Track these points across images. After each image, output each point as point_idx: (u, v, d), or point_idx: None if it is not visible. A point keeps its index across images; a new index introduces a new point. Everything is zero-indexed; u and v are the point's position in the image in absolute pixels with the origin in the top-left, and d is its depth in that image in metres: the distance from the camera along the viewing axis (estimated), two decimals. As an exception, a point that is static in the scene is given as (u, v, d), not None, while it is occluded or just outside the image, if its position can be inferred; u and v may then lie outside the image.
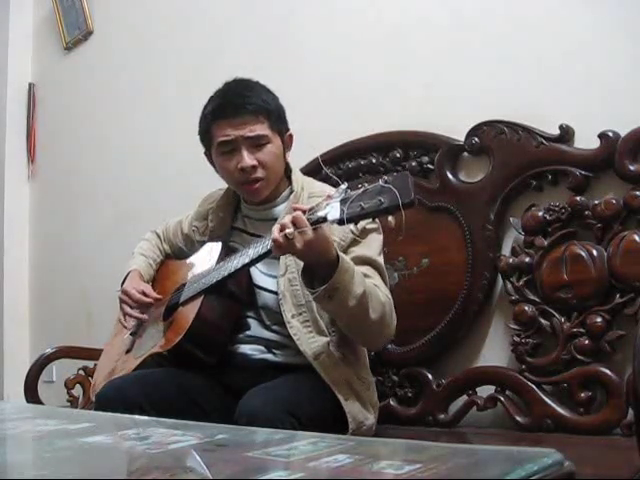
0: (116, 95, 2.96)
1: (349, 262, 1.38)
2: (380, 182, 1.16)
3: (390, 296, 1.49)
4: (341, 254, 1.36)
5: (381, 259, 1.55)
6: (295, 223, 1.26)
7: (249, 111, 1.53)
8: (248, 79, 1.62)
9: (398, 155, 1.91)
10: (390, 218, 1.14)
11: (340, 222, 1.20)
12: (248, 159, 1.53)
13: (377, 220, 1.47)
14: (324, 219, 1.23)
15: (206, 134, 1.60)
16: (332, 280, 1.32)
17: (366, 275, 1.46)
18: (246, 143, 1.54)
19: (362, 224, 1.46)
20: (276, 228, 1.29)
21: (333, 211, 1.21)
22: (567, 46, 1.70)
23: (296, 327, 1.49)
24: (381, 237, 1.57)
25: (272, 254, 1.38)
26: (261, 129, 1.54)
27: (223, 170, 1.61)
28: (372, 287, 1.43)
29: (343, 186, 1.24)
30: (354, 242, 1.51)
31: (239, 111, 1.53)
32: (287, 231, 1.26)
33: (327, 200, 1.24)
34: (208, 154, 1.64)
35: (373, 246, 1.54)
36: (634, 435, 1.08)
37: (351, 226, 1.22)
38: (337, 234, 1.49)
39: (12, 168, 3.34)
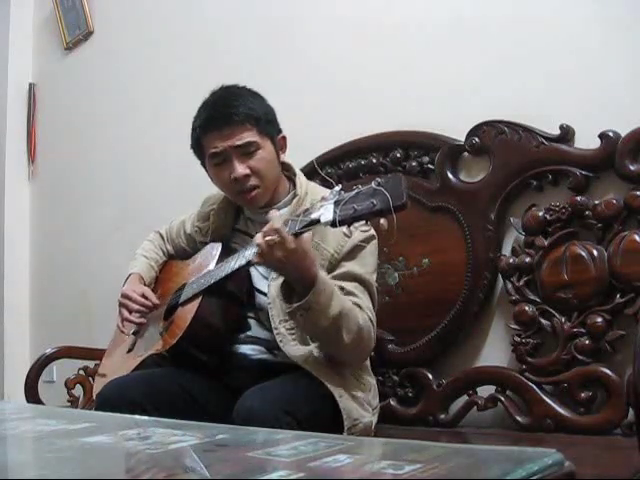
0: (116, 95, 2.96)
1: (327, 283, 1.38)
2: (373, 184, 1.16)
3: (373, 318, 1.49)
4: (321, 274, 1.37)
5: (373, 277, 1.55)
6: (277, 231, 1.28)
7: (236, 120, 1.53)
8: (234, 86, 1.62)
9: (398, 155, 1.91)
10: (382, 221, 1.15)
11: (333, 224, 1.20)
12: (240, 168, 1.53)
13: (371, 227, 1.49)
14: (317, 221, 1.23)
15: (197, 147, 1.61)
16: (306, 300, 1.34)
17: (351, 293, 1.46)
18: (236, 152, 1.53)
19: (358, 236, 1.49)
20: (259, 235, 1.31)
21: (326, 213, 1.21)
22: (567, 46, 1.70)
23: (282, 334, 1.50)
24: (376, 249, 1.57)
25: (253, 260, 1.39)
26: (249, 136, 1.53)
27: (218, 181, 1.61)
28: (351, 308, 1.43)
29: (337, 188, 1.24)
30: (348, 256, 1.51)
31: (226, 121, 1.53)
32: (268, 238, 1.28)
33: (321, 202, 1.24)
34: (204, 166, 1.64)
35: (367, 262, 1.54)
36: (634, 435, 1.08)
37: (344, 229, 1.22)
38: (332, 245, 1.50)
39: (12, 168, 3.34)
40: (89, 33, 3.09)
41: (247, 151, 1.54)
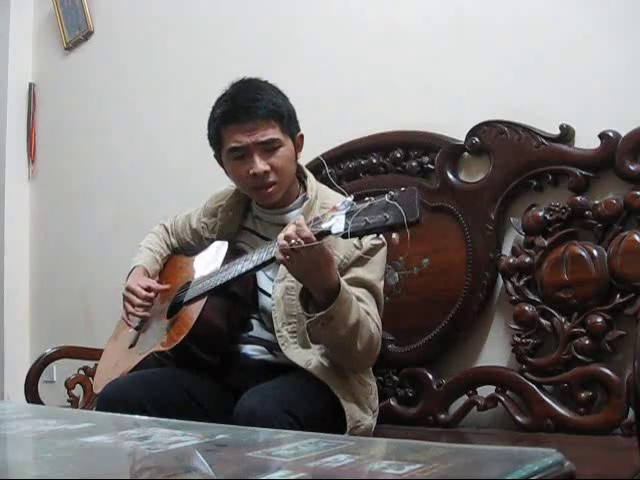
0: (116, 95, 2.96)
1: (348, 291, 1.37)
2: (386, 197, 1.15)
3: (380, 325, 1.49)
4: (343, 283, 1.35)
5: (381, 284, 1.54)
6: (300, 235, 1.24)
7: (260, 115, 1.50)
8: (257, 79, 1.59)
9: (398, 155, 1.91)
10: (394, 235, 1.13)
11: (344, 236, 1.18)
12: (260, 165, 1.51)
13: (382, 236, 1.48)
14: (328, 231, 1.22)
15: (216, 138, 1.58)
16: (330, 309, 1.31)
17: (359, 299, 1.45)
18: (258, 148, 1.52)
19: (368, 242, 1.46)
20: (281, 237, 1.28)
21: (337, 224, 1.19)
22: (567, 46, 1.70)
23: (284, 336, 1.49)
24: (384, 257, 1.55)
25: (276, 260, 1.38)
26: (273, 133, 1.52)
27: (234, 175, 1.59)
28: (365, 316, 1.42)
29: (349, 199, 1.22)
30: (357, 262, 1.50)
31: (250, 116, 1.51)
32: (294, 243, 1.24)
33: (332, 212, 1.23)
34: (218, 157, 1.62)
35: (376, 269, 1.53)
36: (634, 435, 1.08)
37: (354, 240, 1.21)
38: (342, 251, 1.48)
39: (12, 168, 3.34)
40: (89, 33, 3.09)
41: (269, 147, 1.52)
